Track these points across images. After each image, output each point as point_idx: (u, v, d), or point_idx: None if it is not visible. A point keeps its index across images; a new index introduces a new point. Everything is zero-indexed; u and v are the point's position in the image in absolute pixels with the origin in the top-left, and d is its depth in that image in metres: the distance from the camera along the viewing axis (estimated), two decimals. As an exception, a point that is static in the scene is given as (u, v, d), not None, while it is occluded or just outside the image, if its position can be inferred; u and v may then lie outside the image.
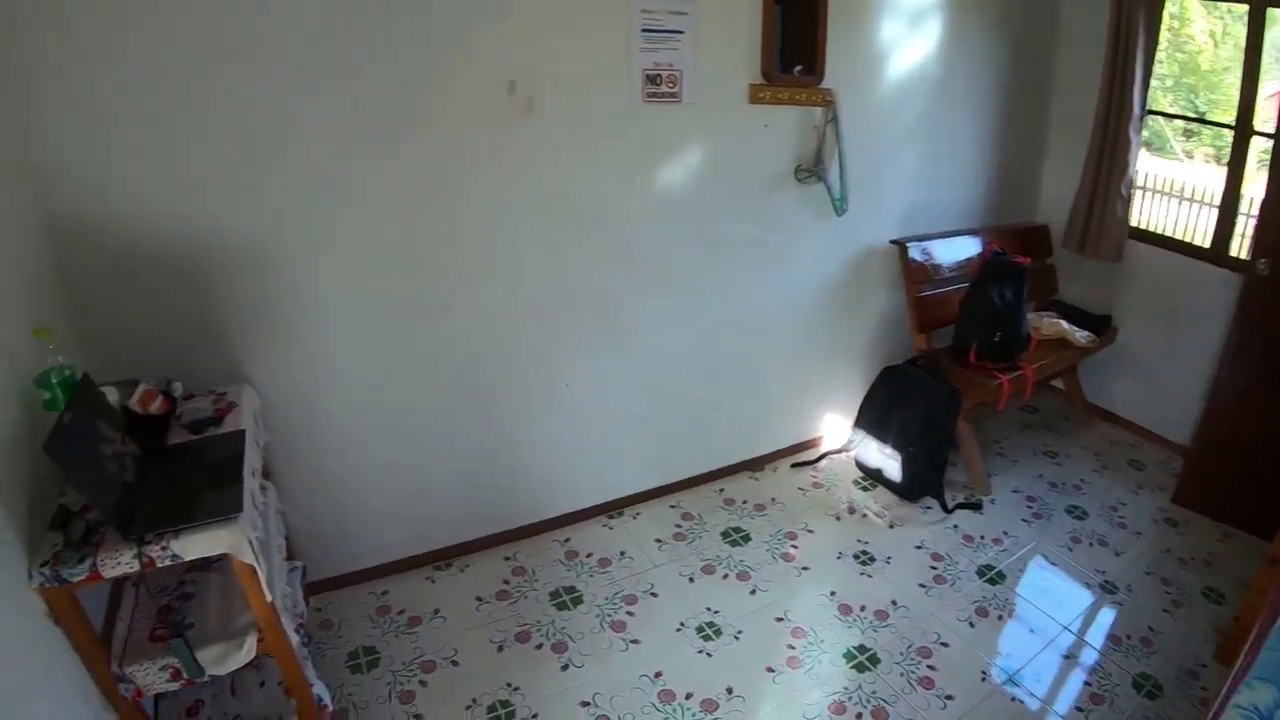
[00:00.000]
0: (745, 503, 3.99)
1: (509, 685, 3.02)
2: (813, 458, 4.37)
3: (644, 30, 3.11)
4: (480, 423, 3.41)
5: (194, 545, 2.10)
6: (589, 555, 3.65)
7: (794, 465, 4.33)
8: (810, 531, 3.79)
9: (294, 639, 2.47)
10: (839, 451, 4.42)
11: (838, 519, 3.90)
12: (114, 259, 2.63)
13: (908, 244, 4.20)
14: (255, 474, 2.51)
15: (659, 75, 3.18)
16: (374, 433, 3.26)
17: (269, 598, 2.26)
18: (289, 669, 2.46)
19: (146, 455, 2.38)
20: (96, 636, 2.25)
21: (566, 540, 3.74)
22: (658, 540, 3.72)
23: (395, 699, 3.00)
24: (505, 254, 3.14)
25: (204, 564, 2.40)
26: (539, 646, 3.20)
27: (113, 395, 2.42)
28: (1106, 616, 3.45)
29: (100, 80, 2.43)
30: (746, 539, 3.74)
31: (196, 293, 2.78)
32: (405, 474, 3.39)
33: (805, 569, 3.58)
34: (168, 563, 2.08)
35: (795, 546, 3.70)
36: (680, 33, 3.18)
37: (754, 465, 4.25)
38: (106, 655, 2.28)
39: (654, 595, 3.42)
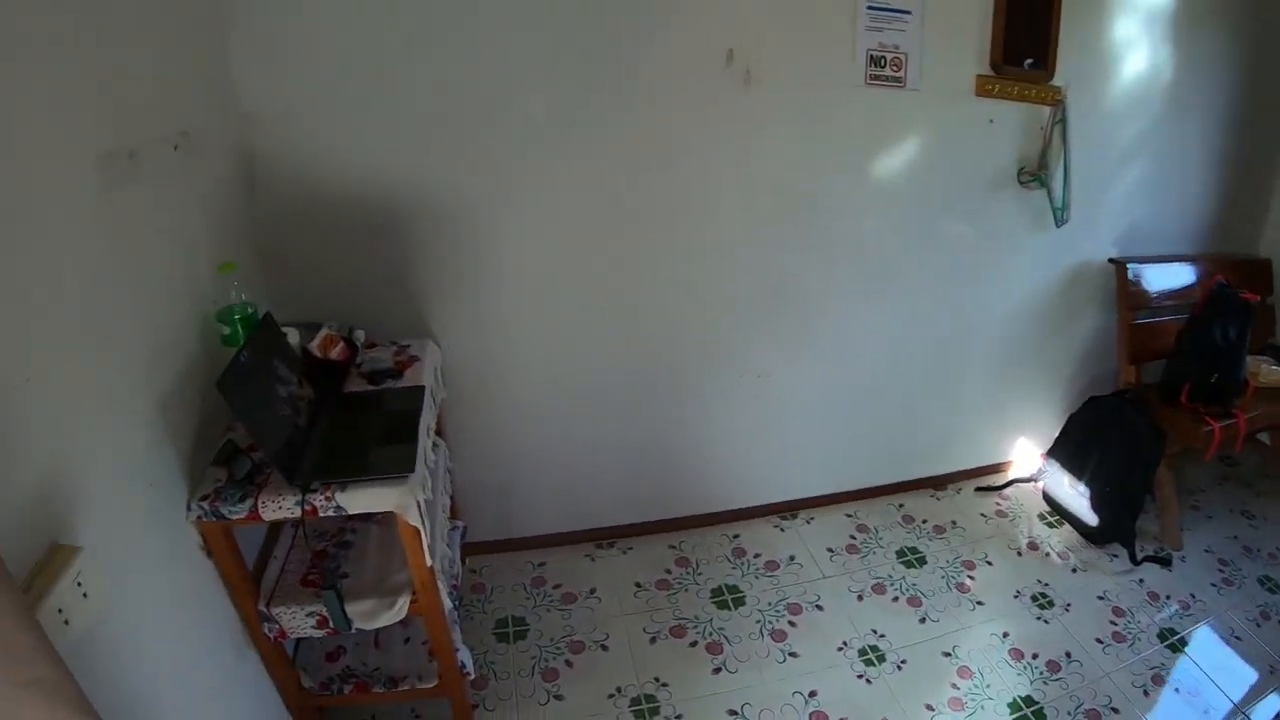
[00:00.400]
0: (924, 522, 3.67)
1: (657, 680, 2.86)
2: (999, 484, 4.00)
3: (869, 8, 2.82)
4: (658, 405, 3.23)
5: (360, 500, 2.01)
6: (757, 556, 3.44)
7: (978, 489, 3.97)
8: (989, 563, 3.45)
9: (447, 604, 2.36)
10: (1027, 480, 4.03)
11: (1019, 554, 3.54)
12: (307, 200, 2.59)
13: (1127, 264, 3.77)
14: (429, 432, 2.41)
15: (884, 57, 2.89)
16: (551, 403, 3.14)
17: (429, 562, 2.16)
18: (437, 633, 2.37)
19: (321, 401, 2.31)
20: (247, 573, 2.22)
21: (736, 537, 3.53)
22: (829, 550, 3.46)
23: (538, 675, 2.89)
24: (704, 232, 2.93)
25: (366, 515, 2.30)
26: (693, 644, 3.01)
27: (293, 337, 2.35)
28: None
29: (313, 23, 2.40)
30: (922, 561, 3.43)
31: (387, 241, 2.71)
32: (577, 448, 3.28)
33: (980, 604, 3.26)
34: (330, 514, 2.01)
35: (972, 578, 3.37)
36: (908, 13, 2.88)
37: (937, 484, 3.91)
38: (255, 593, 2.25)
39: (819, 608, 3.17)
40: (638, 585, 3.26)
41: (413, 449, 2.11)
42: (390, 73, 2.46)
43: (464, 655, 2.52)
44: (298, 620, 2.25)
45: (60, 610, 1.37)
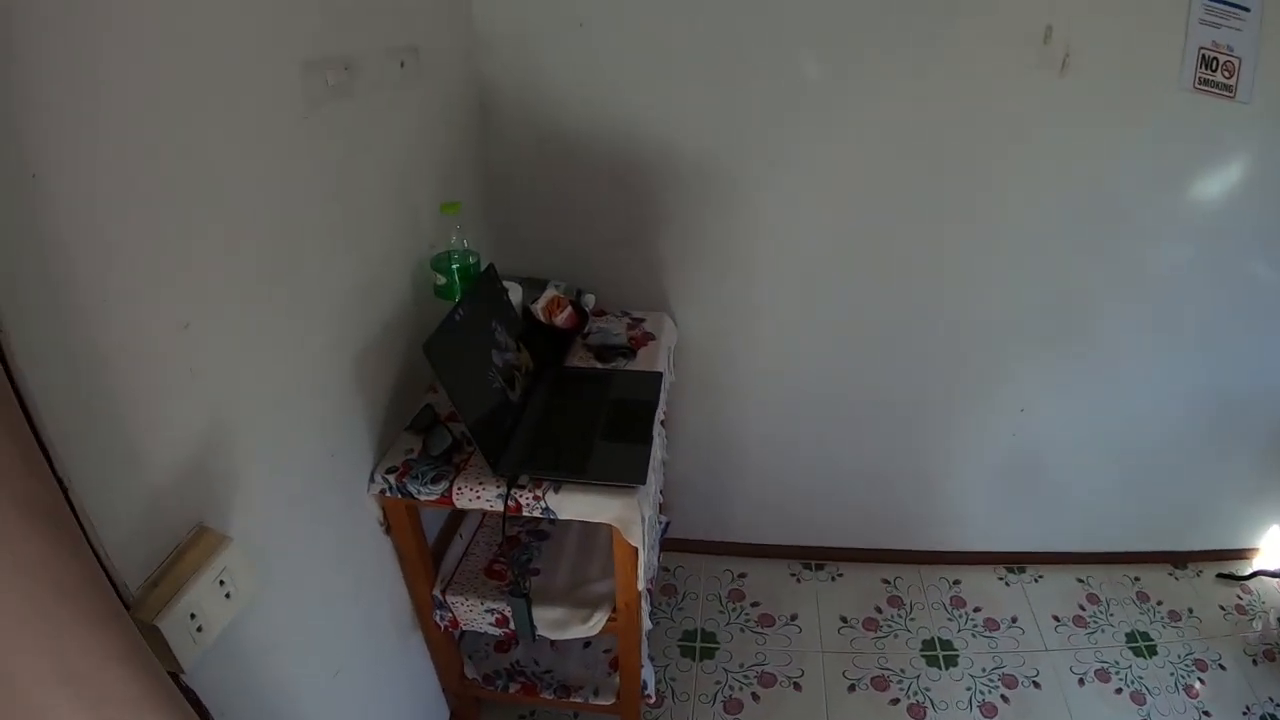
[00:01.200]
0: (1159, 604, 3.04)
1: (852, 737, 2.50)
2: (1243, 573, 3.31)
3: (1207, -2, 2.21)
4: (896, 426, 2.76)
5: (575, 506, 1.66)
6: (977, 610, 2.93)
7: (1220, 576, 3.29)
8: (1222, 667, 2.82)
9: (647, 624, 2.00)
10: (1275, 575, 3.33)
11: (1254, 662, 2.90)
12: (540, 142, 2.25)
13: None
14: (659, 424, 2.05)
15: (1215, 59, 2.24)
16: (782, 403, 2.72)
17: (641, 585, 1.77)
18: (628, 655, 2.04)
19: (539, 373, 1.96)
20: (427, 553, 1.95)
21: (956, 583, 3.04)
22: (1055, 618, 2.92)
23: (720, 704, 2.53)
24: (982, 238, 2.38)
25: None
26: (895, 701, 2.56)
27: (515, 294, 2.03)
28: None
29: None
30: (1152, 651, 2.84)
31: (627, 198, 2.33)
32: (802, 456, 2.84)
33: (1207, 715, 2.68)
34: (536, 514, 1.65)
35: (1202, 681, 2.76)
36: (1246, 9, 2.23)
37: (1177, 560, 3.25)
38: (432, 574, 1.98)
39: (1036, 686, 2.67)
40: (843, 620, 2.83)
41: (645, 453, 1.74)
42: (648, 6, 2.07)
43: (648, 674, 2.18)
44: (475, 614, 1.97)
45: (194, 616, 1.10)
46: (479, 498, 1.66)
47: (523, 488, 1.64)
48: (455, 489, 1.67)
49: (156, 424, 1.09)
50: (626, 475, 1.65)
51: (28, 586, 0.79)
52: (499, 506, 1.64)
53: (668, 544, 2.98)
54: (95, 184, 0.95)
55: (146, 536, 1.09)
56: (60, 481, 0.92)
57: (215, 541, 1.17)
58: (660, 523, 2.61)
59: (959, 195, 2.27)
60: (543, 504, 1.64)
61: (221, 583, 1.16)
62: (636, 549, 1.69)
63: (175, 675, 1.10)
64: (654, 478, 1.86)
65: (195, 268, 1.14)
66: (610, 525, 1.67)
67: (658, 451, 2.09)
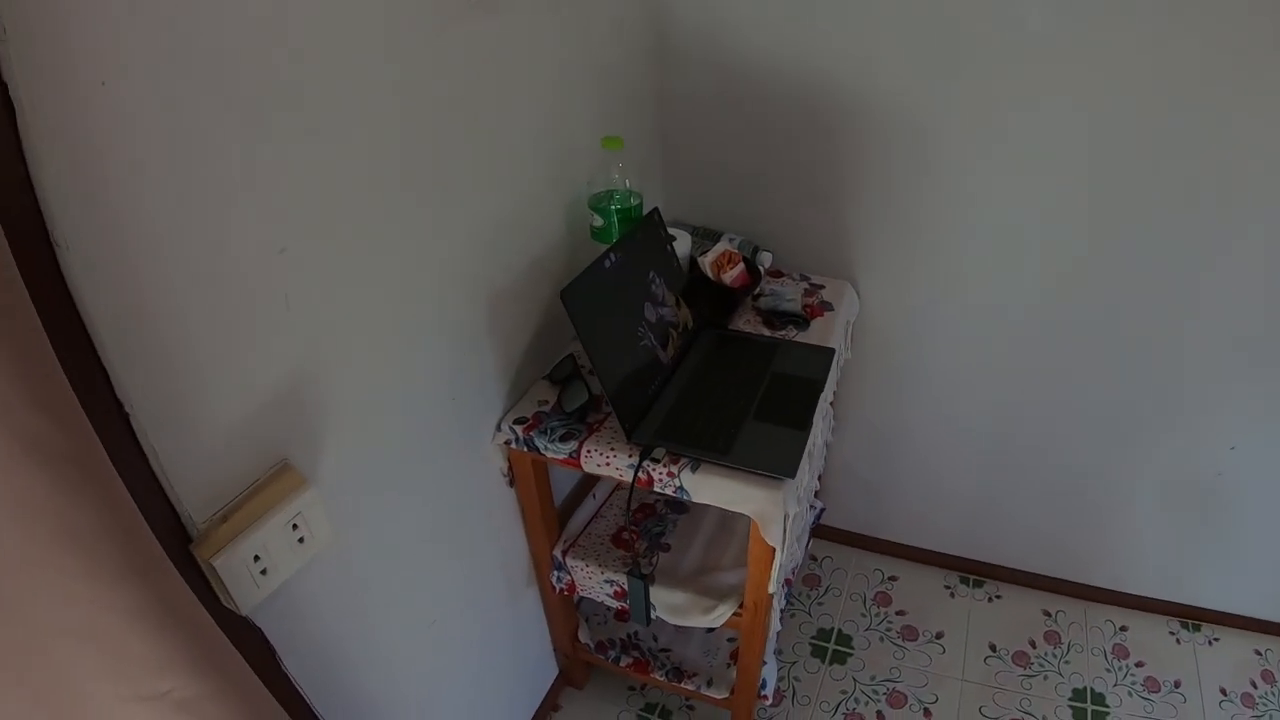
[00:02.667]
0: None
1: (977, 781, 2.14)
2: None
3: None
4: (1089, 443, 2.35)
5: (712, 490, 1.43)
6: (1139, 665, 2.53)
7: None
8: None
9: (775, 625, 1.76)
10: None
11: None
12: (720, 78, 1.97)
13: None
14: (825, 407, 1.82)
15: None
16: (963, 399, 2.37)
17: (772, 587, 1.54)
18: (749, 655, 1.81)
19: (698, 333, 1.73)
20: (552, 508, 1.79)
21: (1122, 630, 2.63)
22: (1222, 690, 2.47)
23: (841, 715, 2.28)
24: (1233, 233, 1.87)
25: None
26: (1027, 753, 2.26)
27: (682, 244, 1.79)
28: None
29: None
30: None
31: (814, 149, 2.02)
32: (977, 460, 2.50)
33: None
34: (668, 492, 1.43)
35: None
36: None
37: None
38: (555, 533, 1.83)
39: (1184, 768, 2.29)
40: (992, 649, 2.51)
41: (801, 440, 1.48)
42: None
43: (770, 672, 1.96)
44: (594, 582, 1.80)
45: (257, 558, 0.98)
46: (608, 464, 1.47)
47: (657, 461, 1.43)
48: (584, 451, 1.48)
49: (239, 352, 0.95)
50: (776, 464, 1.41)
51: (27, 531, 0.65)
52: (628, 477, 1.44)
53: (819, 531, 2.73)
54: (174, 86, 0.80)
55: (223, 469, 0.96)
56: (120, 407, 0.80)
57: (294, 482, 1.03)
58: (814, 508, 2.36)
59: (1203, 183, 1.82)
60: (677, 482, 1.42)
61: (295, 526, 1.02)
62: (774, 548, 1.46)
63: (240, 616, 0.97)
64: (809, 466, 1.61)
65: (298, 186, 0.98)
66: (751, 520, 1.44)
67: (818, 436, 1.85)
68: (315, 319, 1.06)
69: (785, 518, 1.41)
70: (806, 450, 1.47)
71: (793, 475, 1.39)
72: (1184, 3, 1.58)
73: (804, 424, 1.50)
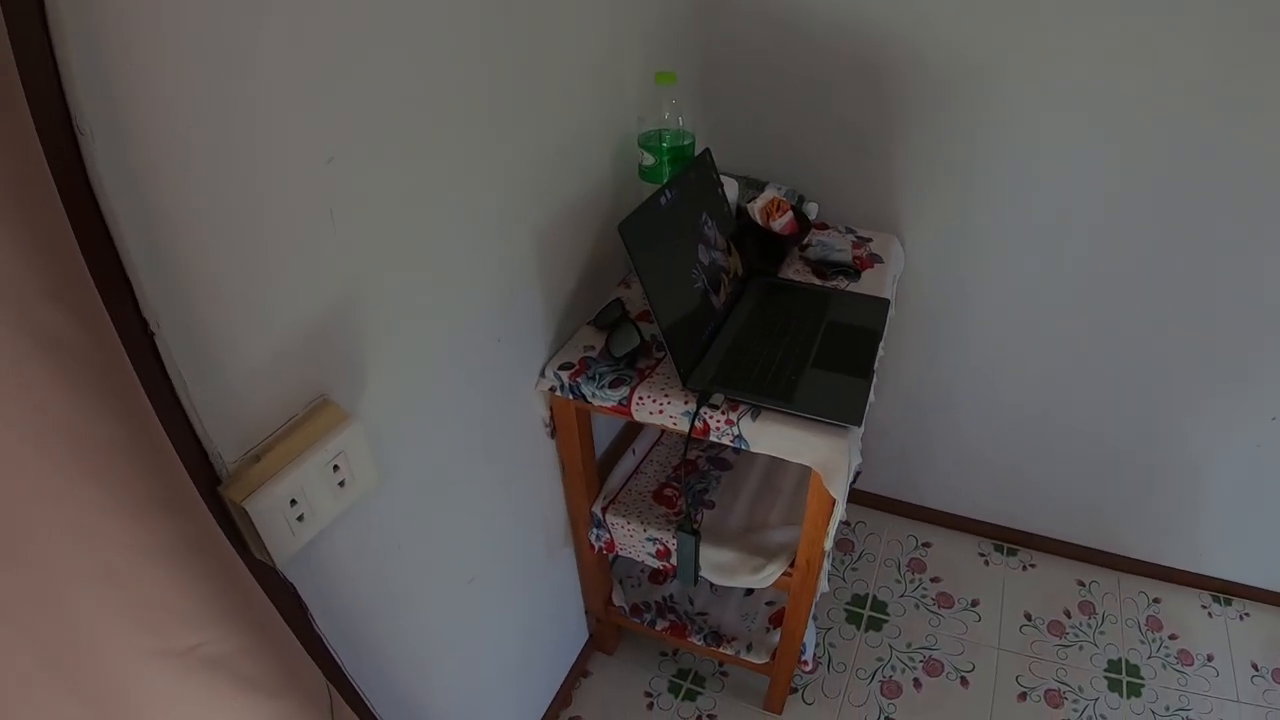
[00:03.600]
0: None
1: (1009, 753, 2.05)
2: None
3: None
4: (1137, 408, 2.23)
5: (773, 439, 1.32)
6: (1172, 637, 2.44)
7: None
8: None
9: (824, 586, 1.65)
10: None
11: None
12: (772, 24, 1.83)
13: None
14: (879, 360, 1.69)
15: None
16: (1008, 359, 2.25)
17: (828, 545, 1.43)
18: (795, 617, 1.71)
19: (747, 281, 1.61)
20: (593, 461, 1.68)
21: (1156, 601, 2.54)
22: (1254, 665, 2.38)
23: (877, 682, 2.18)
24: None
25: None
26: (1065, 722, 2.16)
27: (731, 190, 1.68)
28: None
29: None
30: None
31: (868, 103, 1.89)
32: (1017, 425, 2.38)
33: None
34: (726, 441, 1.31)
35: None
36: None
37: None
38: (596, 488, 1.72)
39: (1215, 742, 2.20)
40: (1027, 618, 2.41)
41: (865, 388, 1.37)
42: None
43: (810, 637, 1.85)
44: (635, 540, 1.69)
45: (294, 503, 0.87)
46: (661, 412, 1.35)
47: (715, 408, 1.31)
48: (636, 398, 1.36)
49: (280, 272, 0.83)
50: (842, 412, 1.29)
51: (39, 447, 0.53)
52: (684, 426, 1.33)
53: (853, 495, 2.59)
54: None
55: (257, 403, 0.84)
56: (145, 323, 0.70)
57: (335, 418, 0.91)
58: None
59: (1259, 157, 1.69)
60: (736, 430, 1.31)
61: (336, 468, 0.91)
62: (835, 500, 1.34)
63: (271, 568, 0.84)
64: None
65: (348, 93, 0.87)
66: (811, 468, 1.32)
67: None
68: (362, 241, 0.94)
69: (850, 468, 1.29)
70: (868, 402, 1.35)
71: (859, 423, 1.28)
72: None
73: (866, 372, 1.39)
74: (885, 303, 1.61)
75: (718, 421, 1.31)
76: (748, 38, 1.87)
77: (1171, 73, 1.61)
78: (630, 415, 1.38)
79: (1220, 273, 1.87)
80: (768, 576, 1.57)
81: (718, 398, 1.31)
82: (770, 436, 1.29)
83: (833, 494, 1.31)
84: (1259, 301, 1.88)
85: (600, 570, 1.89)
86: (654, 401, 1.35)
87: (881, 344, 1.53)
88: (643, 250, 1.27)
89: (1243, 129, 1.63)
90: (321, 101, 0.83)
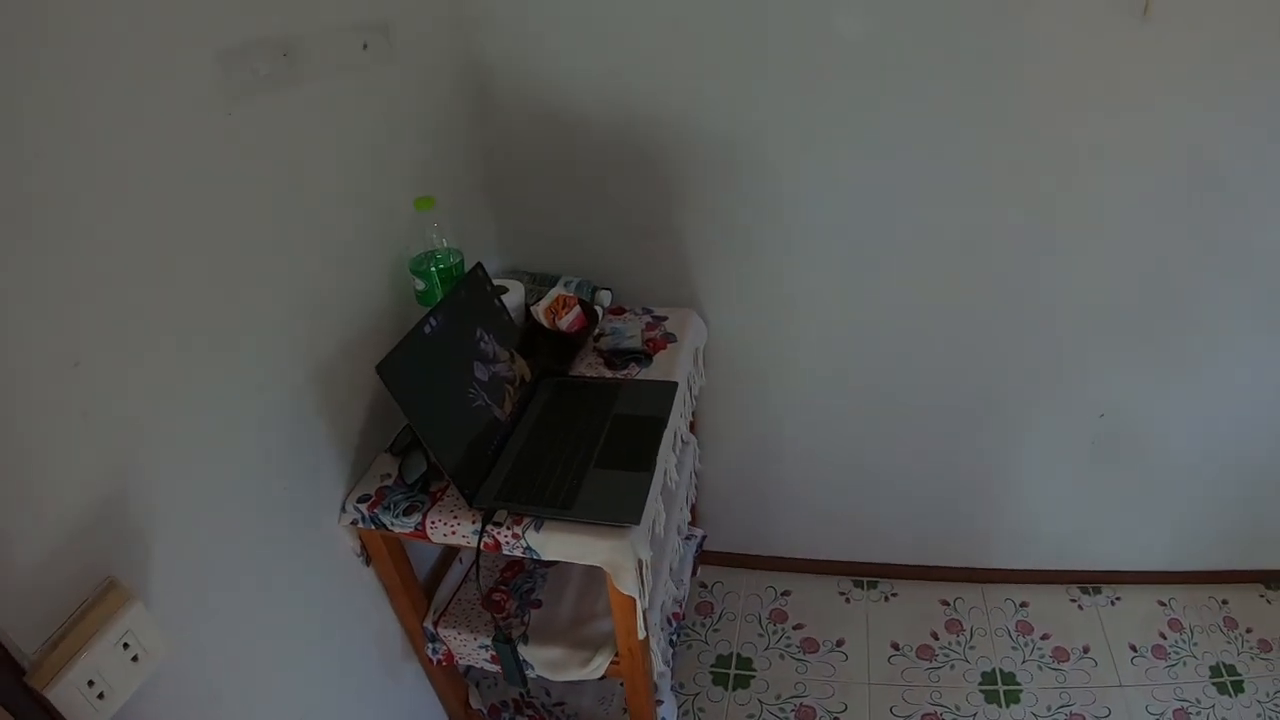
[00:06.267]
0: (1249, 632, 2.65)
1: (890, 781, 2.21)
2: None
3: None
4: (960, 429, 2.44)
5: (559, 545, 1.43)
6: (1044, 637, 2.61)
7: None
8: None
9: (658, 666, 1.77)
10: None
11: None
12: (548, 127, 2.00)
13: None
14: (678, 440, 1.82)
15: None
16: (829, 406, 2.42)
17: (642, 634, 1.54)
18: (636, 702, 1.80)
19: (539, 384, 1.74)
20: (416, 583, 1.77)
21: (1022, 606, 2.72)
22: (1133, 647, 2.58)
23: (752, 738, 2.28)
24: (1059, 213, 2.01)
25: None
26: (947, 740, 2.31)
27: (515, 295, 1.79)
28: None
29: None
30: (1239, 688, 2.47)
31: (649, 185, 2.05)
32: (852, 465, 2.55)
33: None
34: (517, 554, 1.43)
35: None
36: None
37: (1269, 578, 2.89)
38: (424, 604, 1.80)
39: (1107, 729, 2.38)
40: (895, 647, 2.56)
41: (645, 483, 1.49)
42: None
43: (668, 711, 1.97)
44: (470, 649, 1.77)
45: (92, 683, 0.95)
46: (454, 533, 1.45)
47: (500, 524, 1.42)
48: (429, 522, 1.46)
49: (41, 472, 0.92)
50: (618, 513, 1.41)
51: None
52: (475, 542, 1.43)
53: (708, 557, 2.74)
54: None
55: (48, 592, 0.94)
56: None
57: (120, 599, 1.00)
58: (694, 536, 2.38)
59: (1023, 162, 1.94)
60: (523, 543, 1.41)
61: (126, 645, 1.00)
62: (634, 599, 1.46)
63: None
64: (666, 504, 1.63)
65: (88, 296, 0.96)
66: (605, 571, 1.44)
67: (686, 467, 1.86)
68: (122, 428, 1.03)
69: (640, 564, 1.41)
70: (654, 491, 1.48)
71: (637, 521, 1.40)
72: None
73: (648, 465, 1.51)
74: (673, 386, 1.75)
75: (505, 536, 1.42)
76: (524, 140, 2.02)
77: (921, 133, 1.89)
78: (428, 539, 1.47)
79: (1017, 291, 2.12)
80: (597, 668, 1.67)
81: (501, 514, 1.42)
82: (556, 544, 1.41)
83: (624, 591, 1.43)
84: (1070, 309, 2.14)
85: (452, 677, 1.97)
86: (445, 524, 1.45)
87: (682, 422, 1.66)
88: (407, 385, 1.37)
89: (992, 177, 1.93)
90: (64, 308, 0.93)
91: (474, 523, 1.43)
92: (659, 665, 1.78)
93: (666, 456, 1.64)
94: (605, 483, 1.48)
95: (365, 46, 1.49)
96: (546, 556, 1.42)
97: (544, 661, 1.71)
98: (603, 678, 1.74)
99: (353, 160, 1.51)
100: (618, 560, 1.39)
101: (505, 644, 1.60)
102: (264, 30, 1.24)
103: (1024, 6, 1.71)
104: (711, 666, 2.48)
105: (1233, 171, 1.91)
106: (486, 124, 2.01)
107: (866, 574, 2.76)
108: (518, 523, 1.42)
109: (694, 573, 2.41)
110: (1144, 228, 2.00)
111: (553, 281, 1.97)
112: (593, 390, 1.75)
